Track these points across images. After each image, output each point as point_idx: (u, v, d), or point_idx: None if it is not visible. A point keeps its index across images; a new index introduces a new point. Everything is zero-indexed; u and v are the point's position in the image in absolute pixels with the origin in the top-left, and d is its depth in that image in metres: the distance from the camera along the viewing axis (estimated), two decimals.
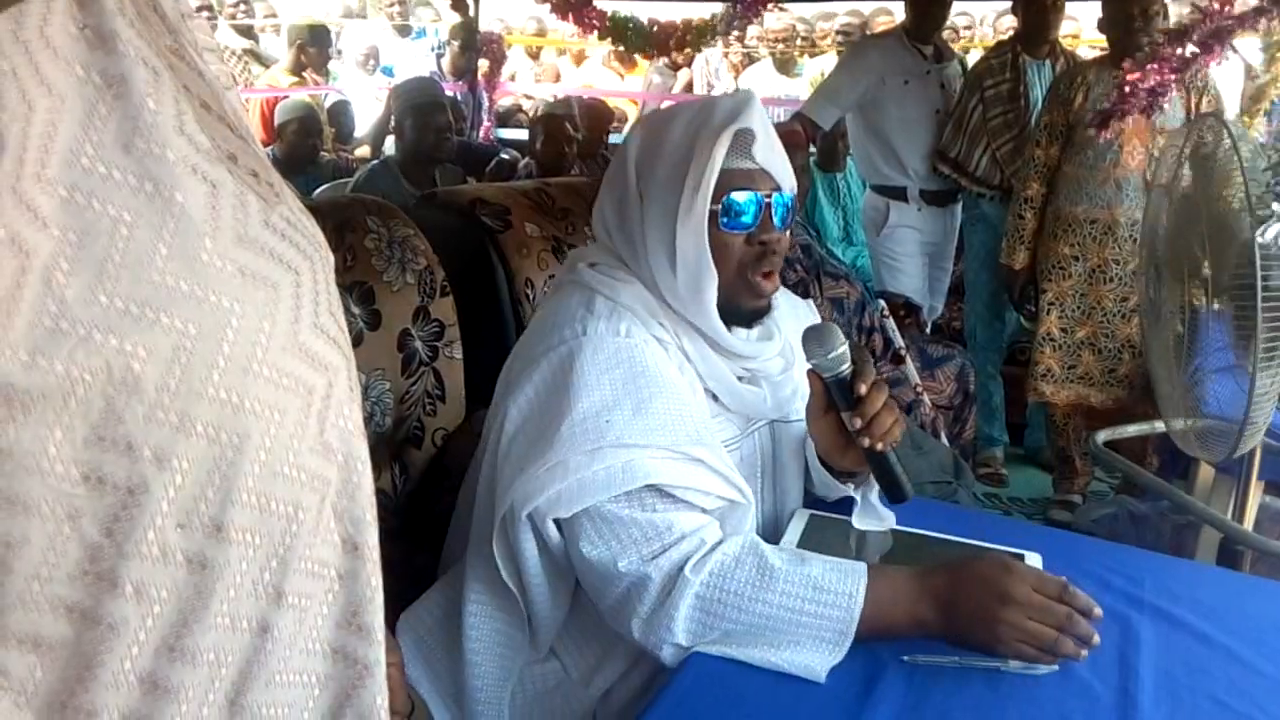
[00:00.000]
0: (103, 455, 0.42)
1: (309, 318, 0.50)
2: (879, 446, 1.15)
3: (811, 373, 1.17)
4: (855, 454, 1.20)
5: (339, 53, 6.14)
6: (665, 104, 5.90)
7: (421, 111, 3.15)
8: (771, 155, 1.17)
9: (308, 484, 0.50)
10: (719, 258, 1.15)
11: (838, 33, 5.86)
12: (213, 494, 0.46)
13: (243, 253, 0.47)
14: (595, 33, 4.24)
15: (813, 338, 1.15)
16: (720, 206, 1.13)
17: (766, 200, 1.16)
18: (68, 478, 0.42)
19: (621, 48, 4.63)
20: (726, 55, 6.34)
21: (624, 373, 1.08)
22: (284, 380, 0.48)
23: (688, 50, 4.91)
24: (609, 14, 4.21)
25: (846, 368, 1.15)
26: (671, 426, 1.07)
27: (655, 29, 4.33)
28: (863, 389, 1.14)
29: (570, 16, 4.21)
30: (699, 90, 6.21)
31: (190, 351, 0.44)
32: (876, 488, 1.25)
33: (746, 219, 1.15)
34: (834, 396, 1.16)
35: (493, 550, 1.10)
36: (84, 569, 0.43)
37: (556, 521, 1.05)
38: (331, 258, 0.54)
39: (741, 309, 1.18)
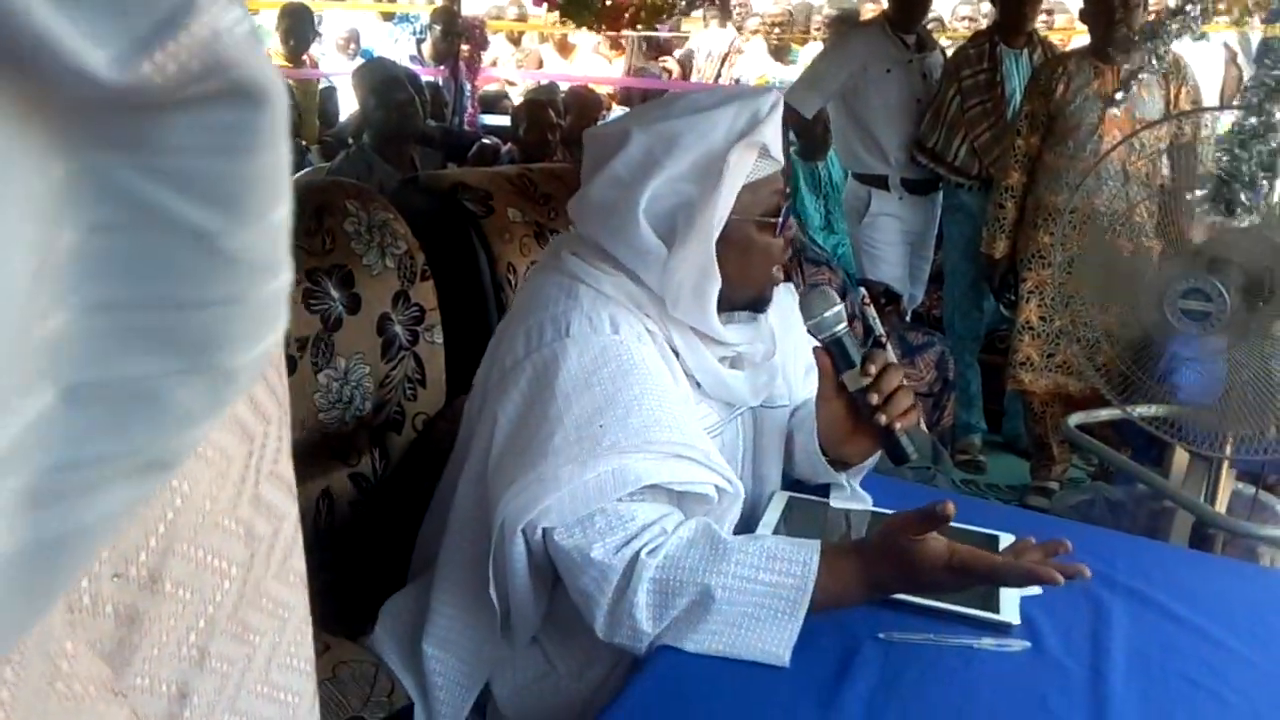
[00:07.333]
0: None
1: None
2: (896, 425, 1.17)
3: (820, 351, 1.19)
4: (859, 441, 1.22)
5: (319, 36, 6.08)
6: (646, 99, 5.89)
7: (380, 91, 3.18)
8: (778, 146, 1.18)
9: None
10: (760, 261, 1.16)
11: (824, 20, 5.88)
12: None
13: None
14: (545, 5, 4.19)
15: (812, 296, 1.18)
16: (778, 220, 1.15)
17: (788, 194, 1.19)
18: None
19: (570, 23, 4.55)
20: (732, 41, 6.32)
21: (612, 370, 1.07)
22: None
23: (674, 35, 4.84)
24: None
25: (843, 326, 1.18)
26: (665, 423, 1.06)
27: (608, 3, 4.22)
28: (872, 368, 1.17)
29: None
30: (700, 62, 6.16)
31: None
32: (862, 476, 1.29)
33: (781, 219, 1.17)
34: (836, 359, 1.19)
35: (465, 551, 1.11)
36: None
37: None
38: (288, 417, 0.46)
39: (764, 299, 1.21)
